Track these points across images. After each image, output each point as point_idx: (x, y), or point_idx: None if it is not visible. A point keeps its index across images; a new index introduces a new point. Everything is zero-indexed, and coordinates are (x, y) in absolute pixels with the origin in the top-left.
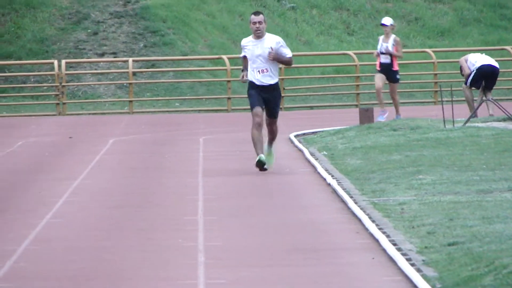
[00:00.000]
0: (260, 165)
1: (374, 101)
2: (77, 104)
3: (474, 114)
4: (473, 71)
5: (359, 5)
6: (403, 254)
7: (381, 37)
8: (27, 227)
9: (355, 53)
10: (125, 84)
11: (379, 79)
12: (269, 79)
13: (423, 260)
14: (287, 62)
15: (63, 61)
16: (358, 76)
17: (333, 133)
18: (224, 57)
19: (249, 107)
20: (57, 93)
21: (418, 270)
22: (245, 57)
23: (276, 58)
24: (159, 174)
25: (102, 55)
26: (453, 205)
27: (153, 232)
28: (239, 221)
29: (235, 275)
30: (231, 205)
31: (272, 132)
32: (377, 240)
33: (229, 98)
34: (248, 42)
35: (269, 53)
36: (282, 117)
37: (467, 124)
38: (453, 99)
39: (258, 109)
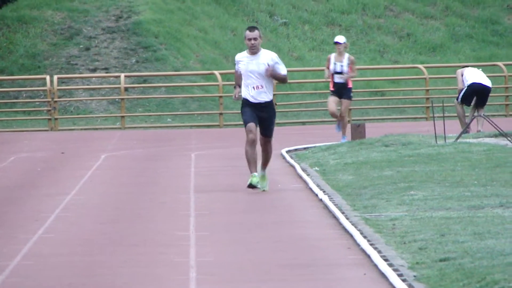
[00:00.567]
0: (252, 187)
1: (366, 116)
2: (69, 120)
3: (466, 130)
4: (465, 87)
5: (351, 21)
6: (395, 270)
7: (333, 56)
8: (19, 243)
9: None
10: (117, 99)
11: (333, 103)
12: (263, 96)
13: (414, 276)
14: (282, 79)
15: (55, 77)
16: None
17: (325, 148)
18: (216, 72)
19: (241, 122)
20: (49, 108)
21: (410, 286)
22: (239, 73)
23: (272, 75)
24: (151, 190)
25: (94, 70)
26: (444, 221)
27: (144, 248)
28: (231, 236)
29: None
30: (223, 220)
31: (266, 152)
32: (368, 256)
33: (221, 114)
34: (242, 57)
35: (266, 69)
36: (274, 133)
37: (458, 140)
38: (445, 115)
39: (251, 125)
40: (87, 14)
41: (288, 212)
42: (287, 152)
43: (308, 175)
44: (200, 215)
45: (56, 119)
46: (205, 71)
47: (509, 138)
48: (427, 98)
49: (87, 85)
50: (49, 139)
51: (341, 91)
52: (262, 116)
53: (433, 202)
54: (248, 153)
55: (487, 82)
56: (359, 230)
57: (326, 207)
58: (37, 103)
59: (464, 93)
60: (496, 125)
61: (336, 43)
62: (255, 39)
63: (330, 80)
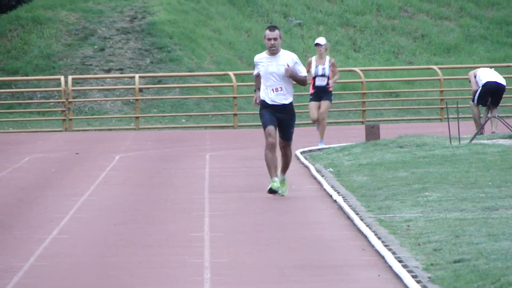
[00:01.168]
0: (272, 192)
1: (380, 117)
2: (84, 120)
3: (480, 131)
4: (479, 87)
5: (366, 22)
6: (409, 271)
7: (313, 58)
8: (33, 243)
9: (361, 70)
10: (131, 100)
11: (314, 109)
12: (282, 98)
13: (429, 277)
14: (301, 81)
15: (70, 77)
16: (364, 93)
17: (339, 149)
18: (231, 73)
19: (255, 123)
20: (64, 109)
21: (424, 287)
22: (258, 75)
23: (292, 76)
24: (166, 190)
25: (108, 71)
26: (459, 222)
27: (159, 249)
28: (246, 237)
29: None
30: (237, 221)
31: (286, 156)
32: (383, 257)
33: (235, 115)
34: (261, 59)
35: (286, 69)
36: None
37: (473, 141)
38: (459, 116)
39: (271, 128)
40: (101, 14)
41: (303, 213)
42: (302, 153)
43: (322, 176)
44: (215, 216)
45: (70, 119)
46: (220, 71)
47: None
48: (442, 99)
49: (102, 85)
50: (63, 140)
51: (321, 94)
52: (281, 118)
53: (447, 203)
54: (268, 157)
55: (502, 81)
56: (373, 231)
57: (340, 208)
58: (51, 103)
59: (479, 93)
60: (510, 126)
61: (317, 44)
62: (275, 39)
63: (310, 83)
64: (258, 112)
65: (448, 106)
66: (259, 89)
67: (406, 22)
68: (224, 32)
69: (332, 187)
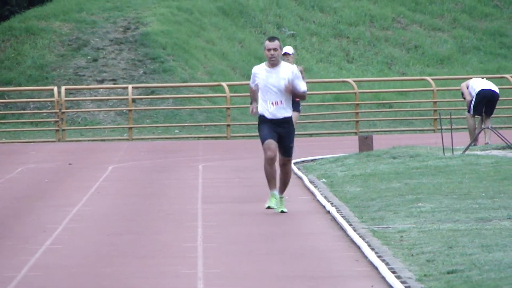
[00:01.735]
0: (270, 208)
1: (373, 128)
2: (77, 131)
3: (474, 142)
4: (473, 97)
5: (359, 33)
6: (402, 282)
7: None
8: (26, 254)
9: (354, 81)
10: (124, 110)
11: None
12: (283, 112)
13: None
14: (301, 97)
15: (63, 88)
16: (358, 104)
17: (332, 160)
18: (224, 84)
19: (248, 134)
20: (57, 119)
21: None
22: (256, 87)
23: (292, 92)
24: (159, 201)
25: (101, 81)
26: (452, 233)
27: (152, 259)
28: (239, 248)
29: None
30: (230, 232)
31: (286, 174)
32: (376, 268)
33: (228, 125)
34: (261, 70)
35: (286, 87)
36: None
37: (466, 152)
38: (453, 127)
39: (270, 142)
40: (94, 25)
41: (296, 223)
42: (295, 163)
43: (315, 186)
44: (208, 226)
45: (63, 130)
46: (213, 82)
47: None
48: (435, 110)
49: (95, 96)
50: (56, 150)
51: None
52: (280, 132)
53: (440, 214)
54: (268, 171)
55: (496, 88)
56: (366, 242)
57: (333, 219)
58: (44, 114)
59: (474, 102)
60: (504, 137)
61: (285, 54)
62: (275, 49)
63: None
64: (251, 122)
65: (441, 117)
66: (256, 100)
67: (399, 33)
68: (217, 42)
69: (325, 198)
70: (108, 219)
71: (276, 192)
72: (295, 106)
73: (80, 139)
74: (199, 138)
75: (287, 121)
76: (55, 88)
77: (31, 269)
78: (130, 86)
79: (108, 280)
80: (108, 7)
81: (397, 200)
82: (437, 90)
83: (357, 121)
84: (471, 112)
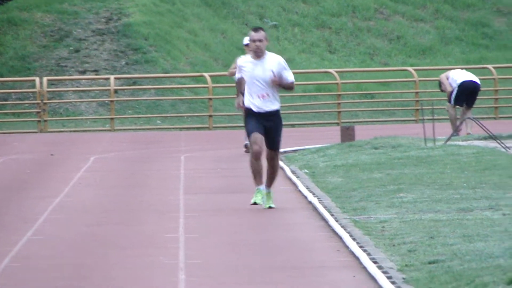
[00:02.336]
0: (256, 204)
1: (355, 119)
2: (59, 122)
3: (456, 133)
4: (455, 88)
5: (341, 24)
6: (384, 272)
7: (243, 57)
8: (8, 245)
9: (336, 71)
10: (106, 101)
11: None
12: (270, 105)
13: (403, 278)
14: (288, 88)
15: (45, 79)
16: (340, 94)
17: (314, 151)
18: (206, 74)
19: (230, 124)
20: (39, 110)
21: None
22: (241, 79)
23: (280, 84)
24: (141, 192)
25: (83, 72)
26: (433, 223)
27: (134, 250)
28: (220, 238)
29: None
30: (212, 222)
31: (273, 168)
32: (358, 258)
33: (210, 116)
34: (246, 62)
35: (272, 80)
36: None
37: (448, 143)
38: (434, 117)
39: (257, 136)
40: (77, 16)
41: (278, 214)
42: None
43: (297, 177)
44: (190, 217)
45: (45, 121)
46: (195, 73)
47: (498, 141)
48: (417, 101)
49: (77, 87)
50: (38, 141)
51: None
52: (268, 126)
53: (422, 204)
54: (254, 165)
55: (477, 80)
56: (348, 232)
57: (315, 209)
58: (26, 105)
59: (456, 93)
60: (485, 127)
61: (246, 45)
62: (260, 40)
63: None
64: (233, 113)
65: (423, 107)
66: (242, 93)
67: (381, 24)
68: (200, 33)
69: (307, 188)
70: (90, 210)
71: (262, 187)
72: None
73: (62, 130)
74: (181, 128)
75: (275, 113)
76: (37, 79)
77: (13, 260)
78: (112, 77)
79: (89, 271)
80: None
81: (378, 190)
82: (419, 80)
83: (339, 112)
84: (452, 102)
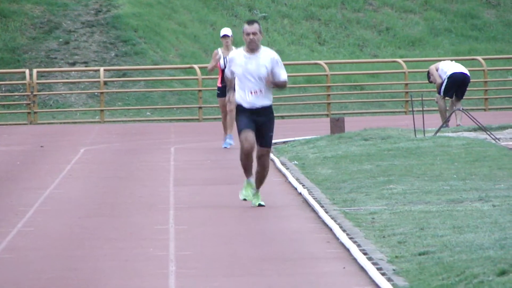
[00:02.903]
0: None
1: (345, 110)
2: (48, 113)
3: (445, 124)
4: (444, 79)
5: (330, 15)
6: (374, 264)
7: (220, 50)
8: None
9: (326, 63)
10: (96, 93)
11: (222, 105)
12: (262, 101)
13: (393, 270)
14: (281, 86)
15: (35, 70)
16: (329, 86)
17: (304, 142)
18: (196, 66)
19: (220, 116)
20: (28, 102)
21: (389, 280)
22: (233, 74)
23: (273, 83)
24: (130, 183)
25: (73, 64)
26: (423, 215)
27: (124, 242)
28: (210, 230)
29: (206, 285)
30: (202, 214)
31: (263, 166)
32: (348, 250)
33: (200, 108)
34: (239, 56)
35: (267, 81)
36: None
37: (437, 134)
38: (424, 108)
39: (248, 133)
40: (66, 8)
41: (267, 206)
42: None
43: (287, 168)
44: (180, 208)
45: (35, 112)
46: (184, 65)
47: (488, 132)
48: (406, 92)
49: (66, 79)
50: (28, 133)
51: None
52: (260, 121)
53: (412, 196)
54: (243, 161)
55: (467, 71)
56: (338, 223)
57: (305, 200)
58: (16, 96)
59: (446, 85)
60: (475, 119)
61: (225, 36)
62: (254, 33)
63: (218, 77)
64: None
65: (412, 99)
66: (233, 89)
67: (371, 15)
68: (189, 25)
69: (297, 179)
70: (80, 202)
71: (252, 180)
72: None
73: (52, 121)
74: (171, 120)
75: (267, 109)
76: (27, 71)
77: (3, 251)
78: (101, 68)
79: (80, 263)
80: None
81: (368, 182)
82: (409, 72)
83: (329, 103)
84: (442, 94)
